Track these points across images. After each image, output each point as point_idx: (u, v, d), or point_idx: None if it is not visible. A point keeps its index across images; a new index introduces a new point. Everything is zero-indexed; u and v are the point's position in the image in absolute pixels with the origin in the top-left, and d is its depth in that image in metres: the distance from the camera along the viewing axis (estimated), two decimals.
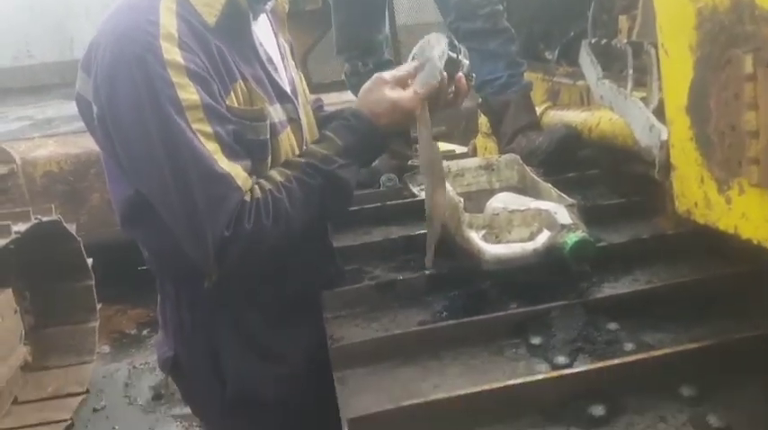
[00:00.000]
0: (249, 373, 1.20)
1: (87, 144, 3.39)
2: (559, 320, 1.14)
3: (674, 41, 0.80)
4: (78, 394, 2.75)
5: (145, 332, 3.57)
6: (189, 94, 0.98)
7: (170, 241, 1.05)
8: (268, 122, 1.11)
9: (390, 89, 1.15)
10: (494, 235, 1.26)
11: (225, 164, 1.00)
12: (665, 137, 1.00)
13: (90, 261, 2.87)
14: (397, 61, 2.44)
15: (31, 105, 5.38)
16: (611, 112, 1.82)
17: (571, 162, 1.78)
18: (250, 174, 1.06)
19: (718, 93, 0.74)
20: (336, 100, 3.14)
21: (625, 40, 1.70)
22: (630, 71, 1.34)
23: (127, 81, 0.97)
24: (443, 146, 2.73)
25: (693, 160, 0.81)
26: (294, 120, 1.20)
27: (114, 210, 1.18)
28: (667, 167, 0.98)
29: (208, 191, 0.99)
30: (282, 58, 1.26)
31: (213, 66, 1.03)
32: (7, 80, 5.75)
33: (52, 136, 3.69)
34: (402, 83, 1.16)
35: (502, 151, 1.99)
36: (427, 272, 1.30)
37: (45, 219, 2.63)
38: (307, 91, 1.36)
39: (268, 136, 1.11)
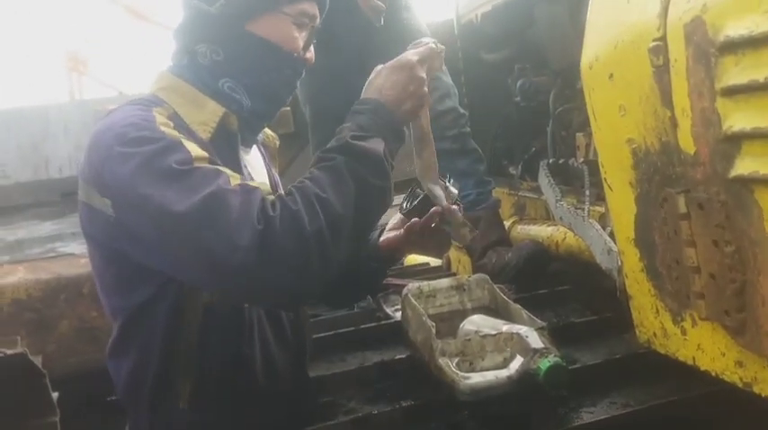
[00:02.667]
0: None
1: (58, 269, 3.32)
2: None
3: (615, 178, 0.85)
4: None
5: None
6: (194, 149, 0.98)
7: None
8: None
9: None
10: (467, 362, 1.25)
11: (238, 181, 0.97)
12: (620, 262, 1.03)
13: (56, 395, 2.73)
14: None
15: (1, 227, 5.32)
16: None
17: (541, 277, 1.80)
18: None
19: (660, 228, 0.78)
20: None
21: (581, 159, 1.80)
22: (587, 192, 1.40)
23: (126, 156, 0.96)
24: (418, 258, 2.76)
25: (647, 290, 0.83)
26: None
27: (114, 325, 1.13)
28: (625, 293, 1.00)
29: (230, 205, 0.92)
30: (273, 187, 1.28)
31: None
32: None
33: (22, 261, 3.62)
34: None
35: (474, 266, 2.01)
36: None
37: (9, 352, 2.53)
38: None
39: None
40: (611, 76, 0.78)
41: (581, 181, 1.73)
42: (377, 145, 1.02)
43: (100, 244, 1.09)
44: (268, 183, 1.27)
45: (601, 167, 0.88)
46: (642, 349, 1.34)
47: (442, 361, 1.24)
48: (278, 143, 1.39)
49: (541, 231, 2.02)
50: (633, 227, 0.83)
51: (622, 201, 0.84)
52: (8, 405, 2.74)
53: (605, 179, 0.87)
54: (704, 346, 0.74)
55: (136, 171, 0.95)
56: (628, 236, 0.85)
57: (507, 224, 2.21)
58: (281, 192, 1.30)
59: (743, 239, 0.62)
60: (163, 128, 0.99)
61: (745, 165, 0.60)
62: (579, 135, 2.14)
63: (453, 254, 2.65)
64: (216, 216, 0.92)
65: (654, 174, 0.77)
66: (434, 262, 2.84)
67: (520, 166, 2.62)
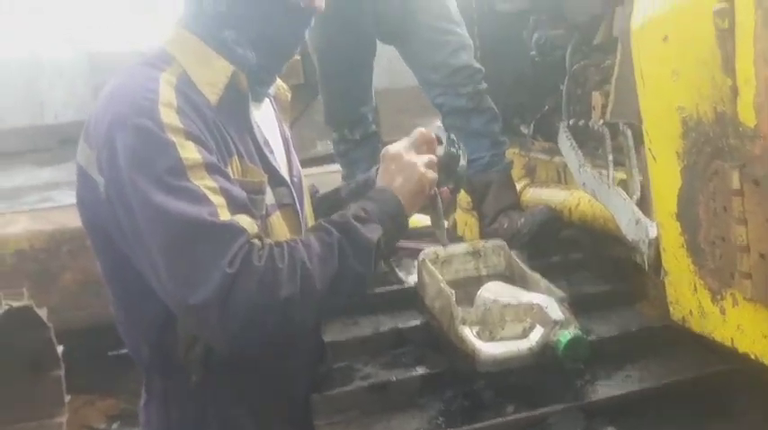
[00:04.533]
0: None
1: (61, 220, 3.28)
2: (557, 426, 1.12)
3: (660, 147, 0.80)
4: None
5: (114, 426, 3.36)
6: (189, 152, 0.96)
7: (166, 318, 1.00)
8: (267, 197, 1.08)
9: (402, 154, 1.13)
10: (487, 331, 1.24)
11: (227, 216, 0.95)
12: (653, 234, 0.99)
13: (60, 349, 2.73)
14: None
15: None
16: None
17: (553, 243, 1.77)
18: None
19: (706, 202, 0.74)
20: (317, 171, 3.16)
21: (600, 120, 1.74)
22: (610, 157, 1.36)
23: (125, 147, 0.95)
24: (421, 220, 2.72)
25: (686, 267, 0.80)
26: (288, 206, 1.16)
27: (110, 296, 1.13)
28: (657, 266, 0.97)
29: (208, 240, 0.92)
30: (285, 144, 1.25)
31: (212, 137, 1.01)
32: None
33: (23, 211, 3.57)
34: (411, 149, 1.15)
35: (484, 231, 1.98)
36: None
37: (16, 304, 2.52)
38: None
39: (264, 213, 1.08)
40: (665, 38, 0.73)
41: (597, 143, 1.67)
42: (373, 232, 1.03)
43: (90, 214, 1.08)
44: (280, 138, 1.23)
45: (645, 135, 0.83)
46: (657, 323, 1.35)
47: (463, 329, 1.23)
48: (290, 95, 1.34)
49: (554, 196, 1.98)
50: (676, 200, 0.79)
51: (666, 173, 0.80)
52: (14, 358, 2.75)
53: (649, 148, 0.83)
54: (744, 327, 0.71)
55: (130, 165, 0.95)
56: (669, 209, 0.81)
57: (518, 187, 2.16)
58: (293, 154, 1.27)
59: None
60: (164, 116, 0.96)
61: None
62: (596, 94, 2.05)
63: (460, 216, 2.61)
64: (188, 247, 0.92)
65: (704, 146, 0.73)
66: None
67: (532, 125, 2.55)
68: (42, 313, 2.69)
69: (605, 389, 1.20)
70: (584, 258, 1.71)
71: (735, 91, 0.64)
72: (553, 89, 2.43)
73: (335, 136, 2.40)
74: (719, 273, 0.74)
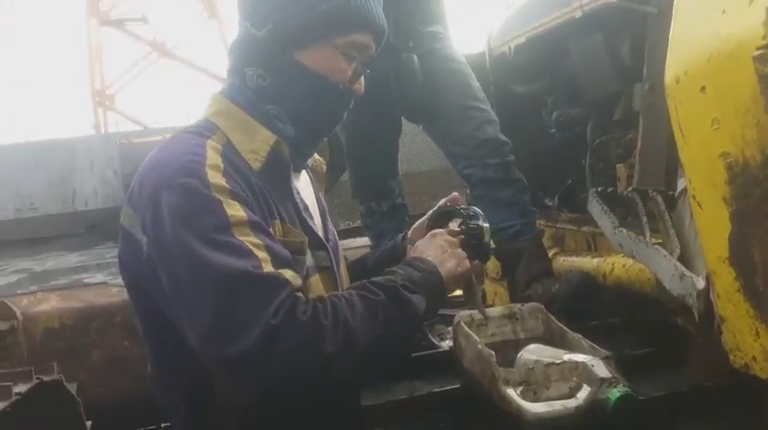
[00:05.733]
0: None
1: (90, 298, 3.32)
2: None
3: (706, 195, 0.82)
4: None
5: None
6: (235, 210, 0.97)
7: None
8: (307, 260, 1.10)
9: (443, 239, 1.15)
10: (531, 391, 1.20)
11: (271, 269, 0.95)
12: (701, 286, 1.00)
13: (89, 424, 2.68)
14: None
15: (28, 257, 5.37)
16: (624, 258, 1.85)
17: (588, 309, 1.75)
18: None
19: (761, 244, 0.75)
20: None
21: (626, 189, 1.78)
22: (644, 218, 1.38)
23: (171, 205, 0.97)
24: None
25: (745, 312, 0.80)
26: (326, 269, 1.18)
27: (148, 355, 1.13)
28: (709, 318, 0.96)
29: (252, 291, 0.92)
30: (322, 212, 1.28)
31: (255, 200, 1.03)
32: (9, 233, 5.81)
33: (54, 289, 3.63)
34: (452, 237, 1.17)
35: (516, 299, 1.97)
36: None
37: (46, 378, 2.50)
38: None
39: (305, 274, 1.09)
40: (702, 88, 0.77)
41: (624, 210, 1.70)
42: (419, 302, 1.05)
43: (131, 273, 1.10)
44: (316, 205, 1.27)
45: (688, 184, 0.86)
46: (707, 382, 1.31)
47: (506, 390, 1.20)
48: (325, 168, 1.39)
49: (586, 262, 1.98)
50: (727, 245, 0.80)
51: (714, 219, 0.82)
52: None
53: (693, 196, 0.85)
54: None
55: (175, 222, 0.96)
56: (720, 255, 0.82)
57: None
58: (329, 221, 1.31)
59: None
60: (210, 177, 0.99)
61: None
62: (620, 166, 2.11)
63: (489, 286, 2.61)
64: (231, 298, 0.92)
65: (754, 188, 0.75)
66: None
67: (557, 198, 2.60)
68: (72, 388, 2.67)
69: None
70: (622, 322, 1.68)
71: None
72: (574, 163, 2.50)
73: (363, 209, 2.44)
74: None
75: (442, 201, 1.30)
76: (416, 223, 1.33)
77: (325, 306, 0.97)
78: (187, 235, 0.95)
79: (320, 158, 1.37)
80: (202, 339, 0.94)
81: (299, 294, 0.97)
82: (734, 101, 0.73)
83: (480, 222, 1.21)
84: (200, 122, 1.13)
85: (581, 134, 2.33)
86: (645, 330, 1.60)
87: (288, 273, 0.98)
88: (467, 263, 1.15)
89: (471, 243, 1.18)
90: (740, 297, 0.80)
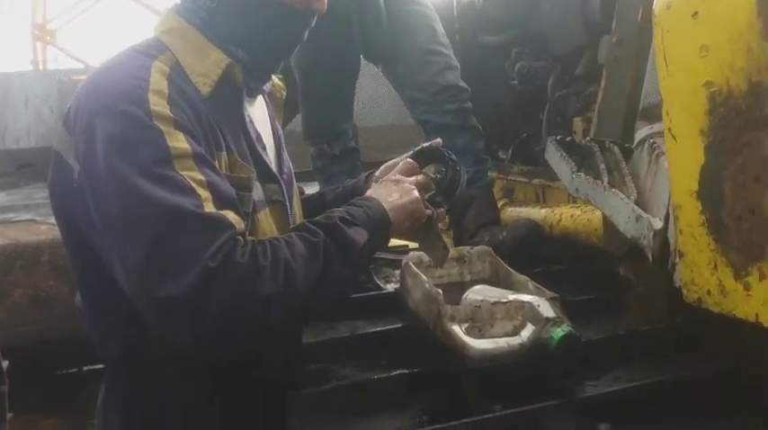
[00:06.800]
0: None
1: (15, 235, 3.11)
2: (550, 423, 1.07)
3: (683, 126, 0.80)
4: None
5: None
6: (178, 142, 0.89)
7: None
8: (253, 195, 1.02)
9: (391, 180, 1.11)
10: (476, 328, 1.19)
11: (213, 210, 0.88)
12: (658, 226, 0.99)
13: (5, 364, 2.51)
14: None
15: None
16: (573, 209, 1.86)
17: (534, 257, 1.76)
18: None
19: (734, 176, 0.73)
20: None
21: (587, 138, 1.78)
22: (602, 165, 1.36)
23: (107, 133, 0.89)
24: (394, 241, 2.68)
25: (705, 246, 0.79)
26: (278, 203, 1.11)
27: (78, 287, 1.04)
28: (664, 256, 0.96)
29: (190, 231, 0.85)
30: (277, 142, 1.20)
31: (202, 130, 0.95)
32: None
33: None
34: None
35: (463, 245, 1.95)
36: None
37: None
38: None
39: (250, 210, 1.01)
40: (695, 14, 0.73)
41: (583, 159, 1.69)
42: (359, 235, 0.99)
43: (59, 202, 1.01)
44: (271, 135, 1.19)
45: (665, 116, 0.83)
46: (643, 327, 1.35)
47: (451, 326, 1.17)
48: (285, 94, 1.29)
49: (534, 213, 1.99)
50: (698, 178, 0.78)
51: (688, 152, 0.79)
52: None
53: (669, 129, 0.82)
54: None
55: (112, 152, 0.88)
56: (689, 189, 0.80)
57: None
58: (285, 152, 1.23)
59: None
60: (153, 104, 0.90)
61: None
62: (577, 119, 2.13)
63: None
64: (168, 238, 0.85)
65: (734, 119, 0.73)
66: (413, 244, 2.77)
67: (510, 151, 2.59)
68: None
69: (594, 388, 1.17)
70: (566, 270, 1.70)
71: None
72: (532, 117, 2.50)
73: (314, 151, 2.38)
74: (745, 248, 0.72)
75: (425, 144, 1.24)
76: (389, 161, 1.26)
77: (265, 248, 0.91)
78: (123, 166, 0.87)
79: (279, 83, 1.28)
80: (133, 279, 0.87)
81: (240, 238, 0.90)
82: (727, 26, 0.70)
83: (461, 170, 1.16)
84: (149, 40, 1.04)
85: (542, 87, 2.32)
86: (587, 278, 1.63)
87: (231, 215, 0.91)
88: (414, 193, 1.09)
89: (447, 190, 1.14)
90: (703, 231, 0.78)
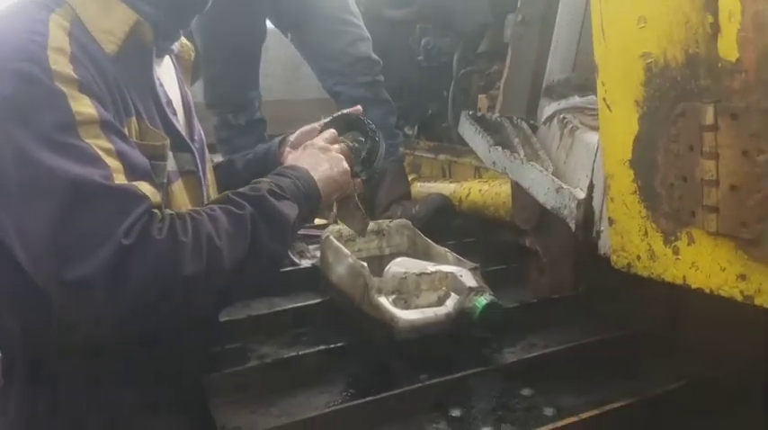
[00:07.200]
0: None
1: None
2: (476, 390, 1.10)
3: (618, 97, 0.82)
4: None
5: None
6: (83, 106, 0.79)
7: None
8: (168, 164, 0.92)
9: (330, 147, 1.08)
10: (402, 300, 1.18)
11: (124, 181, 0.80)
12: (581, 196, 1.02)
13: None
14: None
15: None
16: (480, 184, 1.91)
17: (446, 230, 1.79)
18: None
19: (666, 146, 0.77)
20: None
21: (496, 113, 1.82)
22: (517, 139, 1.40)
23: (1, 96, 0.77)
24: None
25: (636, 213, 0.82)
26: (191, 173, 1.02)
27: None
28: (588, 225, 1.00)
29: (100, 206, 0.76)
30: (187, 108, 1.09)
31: (109, 93, 0.86)
32: None
33: None
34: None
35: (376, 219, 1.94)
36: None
37: None
38: None
39: (165, 181, 0.91)
40: None
41: (492, 134, 1.73)
42: (289, 209, 0.94)
43: None
44: (181, 100, 1.08)
45: (600, 86, 0.85)
46: (554, 295, 1.42)
47: (379, 298, 1.15)
48: (193, 55, 1.19)
49: (444, 188, 2.02)
50: (631, 148, 0.81)
51: (622, 121, 0.82)
52: None
53: (604, 99, 0.84)
54: (700, 264, 0.74)
55: (7, 116, 0.78)
56: (622, 158, 0.83)
57: None
58: (195, 118, 1.12)
59: None
60: (53, 63, 0.80)
61: None
62: (482, 97, 2.18)
63: None
64: (74, 214, 0.75)
65: (669, 90, 0.76)
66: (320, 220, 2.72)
67: (416, 127, 2.61)
68: None
69: (512, 355, 1.21)
70: (476, 242, 1.75)
71: (716, 28, 0.67)
72: (437, 93, 2.52)
73: (217, 121, 2.24)
74: (676, 214, 0.76)
75: (345, 111, 1.19)
76: (305, 127, 1.19)
77: (185, 222, 0.83)
78: (21, 133, 0.77)
79: (188, 43, 1.17)
80: (37, 260, 0.77)
81: (157, 211, 0.82)
82: None
83: (381, 140, 1.12)
84: None
85: (447, 64, 2.35)
86: (497, 250, 1.68)
87: (145, 187, 0.82)
88: (344, 164, 1.06)
89: (366, 160, 1.10)
90: (635, 198, 0.82)
